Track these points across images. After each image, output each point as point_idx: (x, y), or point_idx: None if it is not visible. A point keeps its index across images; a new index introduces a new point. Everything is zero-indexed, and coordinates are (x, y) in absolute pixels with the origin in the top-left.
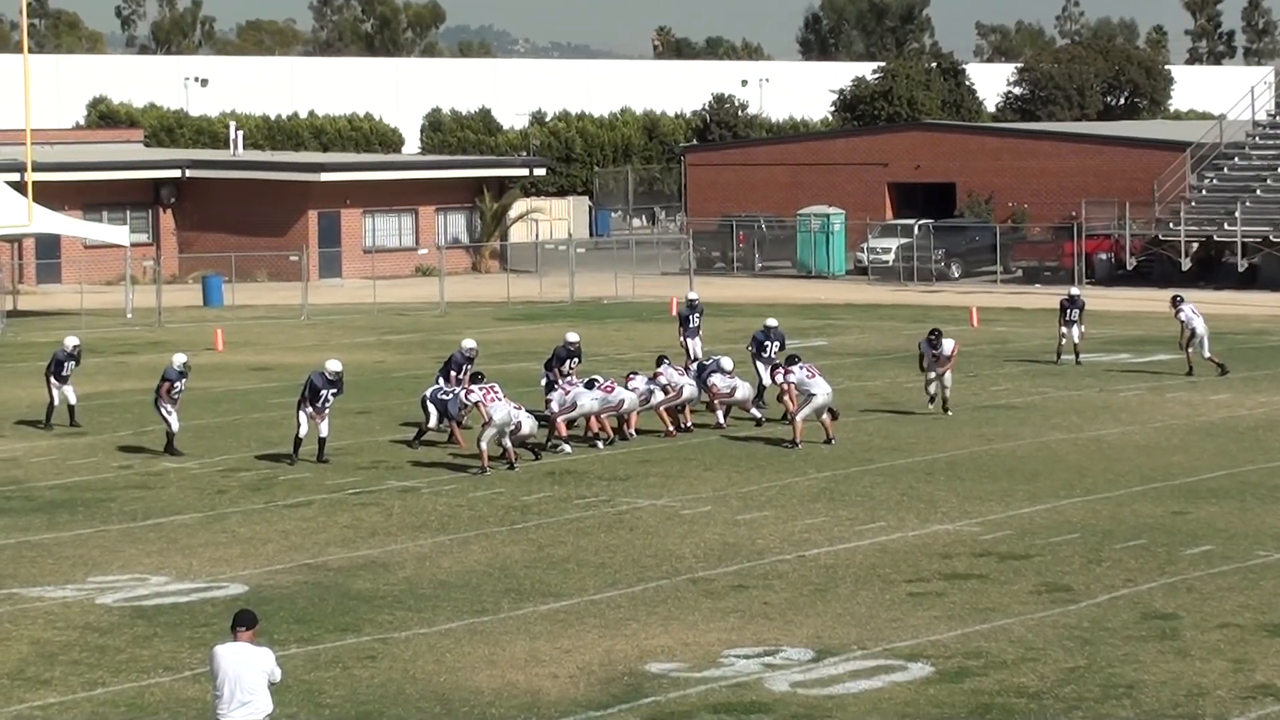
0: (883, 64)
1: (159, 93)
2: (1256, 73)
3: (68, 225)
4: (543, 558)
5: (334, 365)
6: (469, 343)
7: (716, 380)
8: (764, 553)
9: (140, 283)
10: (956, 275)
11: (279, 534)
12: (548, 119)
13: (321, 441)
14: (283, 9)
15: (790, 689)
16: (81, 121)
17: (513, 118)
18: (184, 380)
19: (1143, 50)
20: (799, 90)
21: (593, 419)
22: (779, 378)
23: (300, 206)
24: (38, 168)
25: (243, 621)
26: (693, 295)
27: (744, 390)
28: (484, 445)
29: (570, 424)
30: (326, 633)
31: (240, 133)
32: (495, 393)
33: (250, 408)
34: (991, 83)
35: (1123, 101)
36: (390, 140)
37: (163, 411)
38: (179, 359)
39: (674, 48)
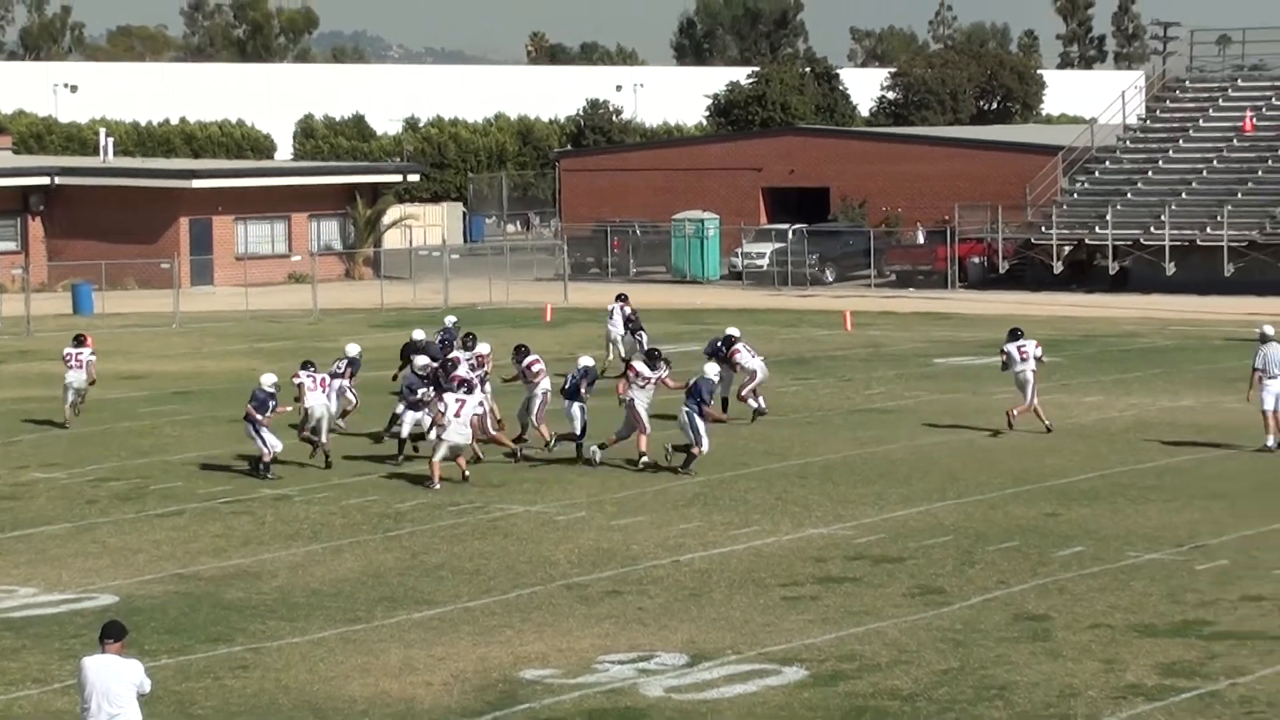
0: (757, 69)
1: (28, 99)
2: (1127, 77)
3: None
4: (416, 565)
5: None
6: (269, 378)
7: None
8: (638, 558)
9: (8, 291)
10: (831, 280)
11: (150, 544)
12: (421, 125)
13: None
14: (154, 15)
15: (665, 694)
16: None
17: (386, 123)
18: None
19: (1015, 55)
20: (673, 95)
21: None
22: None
23: (172, 213)
24: None
25: (110, 633)
26: (451, 320)
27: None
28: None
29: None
30: (198, 643)
31: (111, 139)
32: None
33: (120, 416)
34: (865, 87)
35: (995, 106)
36: (262, 147)
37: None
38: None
39: (548, 53)
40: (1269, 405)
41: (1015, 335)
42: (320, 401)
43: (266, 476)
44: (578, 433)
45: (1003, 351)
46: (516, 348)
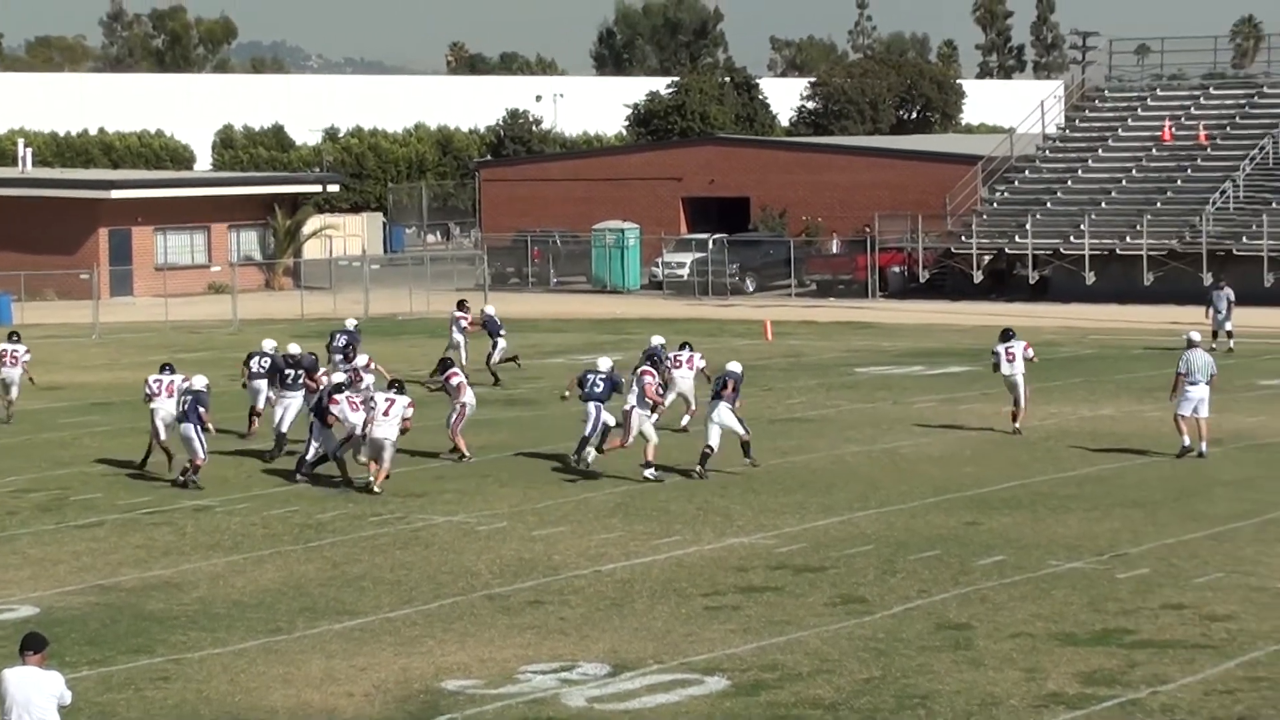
0: (676, 79)
1: None
2: (1046, 86)
3: None
4: (338, 576)
5: (289, 346)
6: (201, 379)
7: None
8: (560, 568)
9: None
10: (751, 289)
11: (70, 555)
12: (341, 135)
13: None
14: (73, 25)
15: (587, 704)
16: None
17: (306, 134)
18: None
19: (934, 64)
20: (593, 105)
21: (459, 437)
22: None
23: (91, 224)
24: None
25: (31, 645)
26: (352, 323)
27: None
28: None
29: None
30: (119, 654)
31: (29, 150)
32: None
33: (40, 428)
34: (785, 97)
35: (915, 115)
36: (182, 157)
37: None
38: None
39: (468, 63)
40: (1186, 410)
41: (1007, 336)
42: (166, 406)
43: (194, 484)
44: (586, 434)
45: (993, 353)
46: (441, 360)
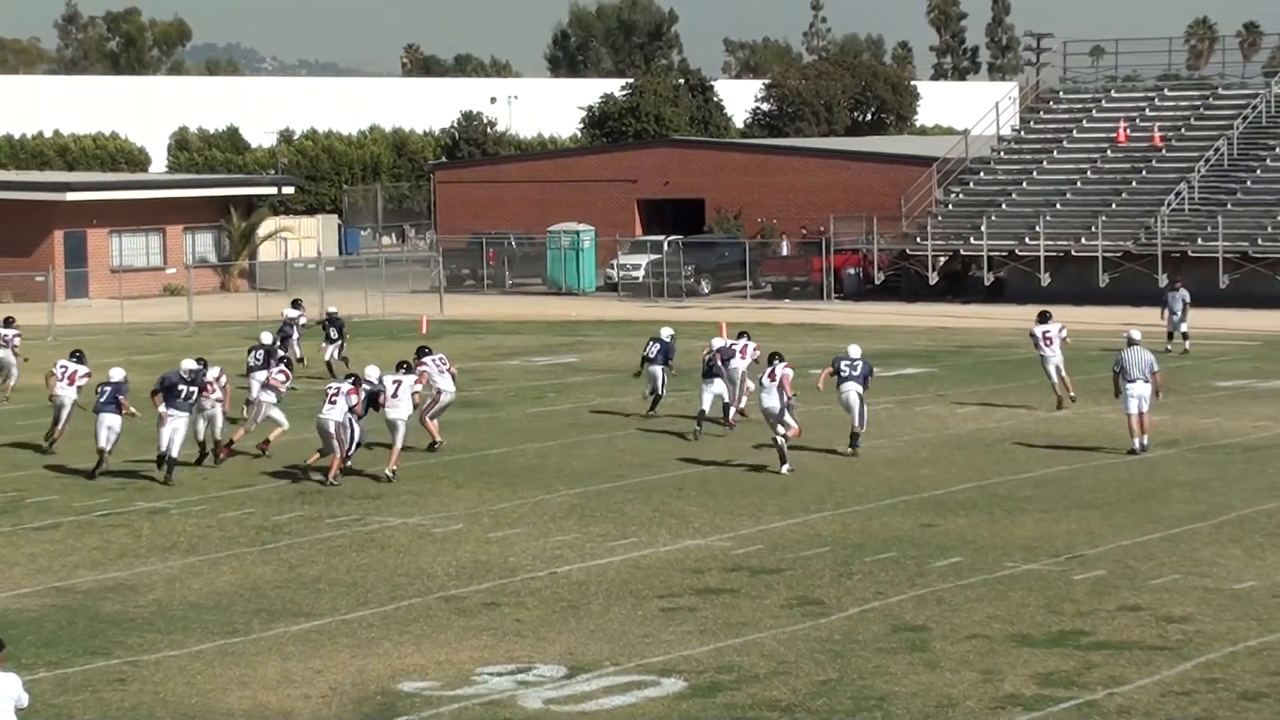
0: (631, 80)
1: None
2: (1001, 88)
3: None
4: (294, 578)
5: (189, 364)
6: (118, 372)
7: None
8: (516, 570)
9: None
10: (706, 291)
11: (26, 557)
12: (296, 137)
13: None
14: (27, 27)
15: (543, 706)
16: None
17: (261, 136)
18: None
19: (889, 66)
20: (548, 107)
21: (430, 422)
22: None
23: (46, 226)
24: None
25: None
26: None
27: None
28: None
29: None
30: (75, 656)
31: None
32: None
33: None
34: (740, 99)
35: (870, 117)
36: (137, 159)
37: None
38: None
39: (423, 65)
40: (1132, 409)
41: (1044, 318)
42: (67, 394)
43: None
44: (726, 402)
45: (1031, 335)
46: (418, 349)
